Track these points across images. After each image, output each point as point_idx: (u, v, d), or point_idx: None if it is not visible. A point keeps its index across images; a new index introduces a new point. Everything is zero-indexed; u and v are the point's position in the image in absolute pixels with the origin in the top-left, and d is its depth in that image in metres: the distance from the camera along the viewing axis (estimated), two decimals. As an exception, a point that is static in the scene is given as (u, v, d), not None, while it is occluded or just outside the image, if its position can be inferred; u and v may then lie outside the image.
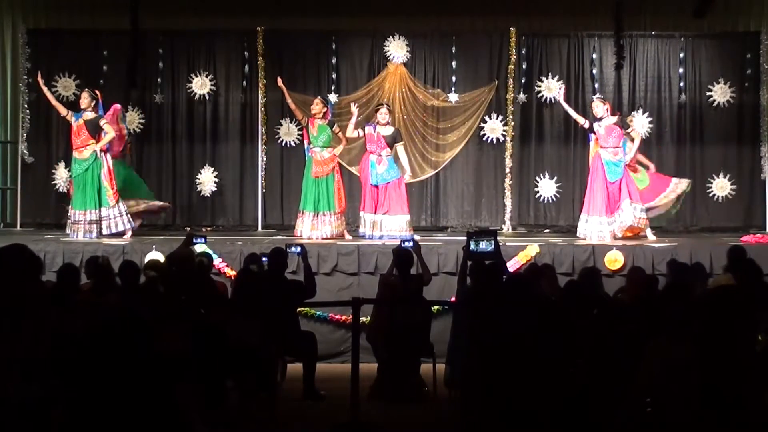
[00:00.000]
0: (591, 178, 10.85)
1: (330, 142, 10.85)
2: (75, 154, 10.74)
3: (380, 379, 7.67)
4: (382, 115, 10.87)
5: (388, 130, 10.90)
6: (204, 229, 10.96)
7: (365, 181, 10.89)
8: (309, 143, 10.93)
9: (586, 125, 11.00)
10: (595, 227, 10.62)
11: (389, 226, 10.66)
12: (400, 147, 10.96)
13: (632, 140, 11.06)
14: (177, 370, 5.61)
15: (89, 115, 10.71)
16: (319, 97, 11.14)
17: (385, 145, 10.79)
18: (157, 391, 5.45)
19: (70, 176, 11.11)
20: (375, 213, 10.73)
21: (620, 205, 10.60)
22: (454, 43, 12.70)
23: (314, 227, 10.69)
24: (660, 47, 12.76)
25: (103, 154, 10.70)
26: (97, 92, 10.98)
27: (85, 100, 10.76)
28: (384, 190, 10.75)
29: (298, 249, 8.10)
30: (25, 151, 12.53)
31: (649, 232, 10.80)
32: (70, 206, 10.85)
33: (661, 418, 4.76)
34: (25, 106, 12.56)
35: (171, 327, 5.73)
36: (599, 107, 10.84)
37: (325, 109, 10.96)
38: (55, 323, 5.54)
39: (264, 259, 7.99)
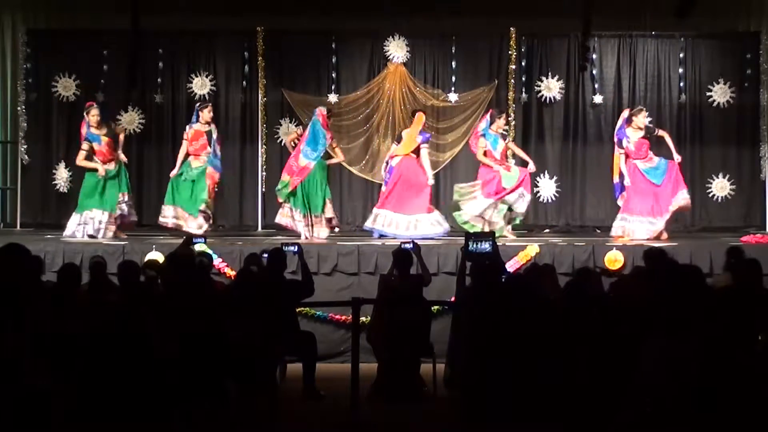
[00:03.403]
0: (632, 186, 10.83)
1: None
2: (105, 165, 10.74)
3: (380, 379, 7.66)
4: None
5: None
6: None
7: (397, 181, 10.89)
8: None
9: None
10: (640, 225, 10.73)
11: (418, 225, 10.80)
12: (424, 150, 10.95)
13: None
14: (177, 369, 5.63)
15: (103, 130, 10.78)
16: (319, 109, 10.94)
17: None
18: (153, 388, 5.47)
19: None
20: (400, 212, 10.84)
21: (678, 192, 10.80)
22: (454, 43, 12.71)
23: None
24: (660, 47, 12.77)
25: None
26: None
27: (95, 117, 10.74)
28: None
29: (295, 248, 8.14)
30: (23, 151, 12.53)
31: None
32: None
33: (661, 418, 4.76)
34: (23, 106, 12.56)
35: (170, 327, 5.74)
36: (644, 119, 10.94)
37: (329, 121, 10.90)
38: (55, 322, 5.55)
39: (265, 255, 8.03)
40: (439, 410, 7.08)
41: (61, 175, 12.41)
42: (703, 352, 4.78)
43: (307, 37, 12.80)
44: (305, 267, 8.07)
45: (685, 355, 4.74)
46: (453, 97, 12.56)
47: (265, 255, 8.03)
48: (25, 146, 12.55)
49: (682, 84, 12.68)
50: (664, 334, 4.87)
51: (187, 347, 5.67)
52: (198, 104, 11.24)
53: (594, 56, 12.59)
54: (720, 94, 12.60)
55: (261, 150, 12.63)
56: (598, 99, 12.66)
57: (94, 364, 5.47)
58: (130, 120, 12.53)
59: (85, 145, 10.72)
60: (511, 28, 12.57)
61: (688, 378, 4.71)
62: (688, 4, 10.87)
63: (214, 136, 10.94)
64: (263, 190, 12.56)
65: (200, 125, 10.87)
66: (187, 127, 11.00)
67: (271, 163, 12.62)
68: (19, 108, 12.58)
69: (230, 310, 6.38)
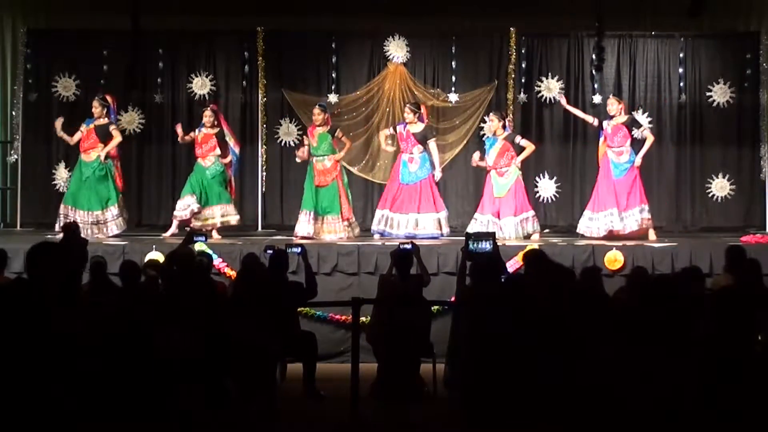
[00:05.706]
0: (600, 175, 11.04)
1: (331, 150, 10.89)
2: (82, 156, 10.93)
3: (380, 379, 7.67)
4: (407, 113, 11.03)
5: (418, 128, 11.03)
6: (204, 229, 10.94)
7: (393, 181, 11.07)
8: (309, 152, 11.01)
9: (595, 123, 11.22)
10: (603, 220, 10.84)
11: (421, 224, 10.78)
12: (432, 143, 11.07)
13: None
14: (177, 369, 5.63)
15: (100, 121, 10.90)
16: (318, 106, 11.12)
17: (416, 143, 10.93)
18: (153, 388, 5.47)
19: (71, 175, 11.20)
20: (403, 212, 10.87)
21: (629, 208, 10.77)
22: (454, 43, 12.70)
23: (322, 230, 10.73)
24: (660, 47, 12.76)
25: (110, 159, 10.89)
26: (109, 98, 11.07)
27: (96, 109, 10.90)
28: (415, 188, 10.89)
29: (299, 249, 8.13)
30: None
31: (651, 233, 10.86)
32: (62, 204, 10.92)
33: (660, 419, 4.77)
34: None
35: (171, 327, 5.74)
36: (612, 105, 11.09)
37: (326, 116, 11.01)
38: (58, 323, 5.55)
39: (270, 251, 8.03)
40: (439, 410, 7.08)
41: (61, 175, 12.40)
42: (702, 353, 4.79)
43: (307, 37, 12.80)
44: (309, 269, 8.06)
45: (663, 360, 4.76)
46: (453, 97, 12.55)
47: (270, 251, 8.04)
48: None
49: (682, 84, 12.67)
50: (643, 337, 4.91)
51: (187, 347, 5.67)
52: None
53: (594, 56, 12.56)
54: (720, 94, 12.59)
55: (261, 150, 12.62)
56: (597, 99, 12.65)
57: (94, 364, 5.47)
58: (130, 120, 12.52)
59: (82, 127, 11.03)
60: (511, 28, 12.56)
61: (671, 381, 4.73)
62: (700, 3, 10.85)
63: (227, 138, 11.08)
64: (263, 190, 12.56)
65: (206, 129, 11.05)
66: (197, 129, 11.16)
67: (272, 163, 12.63)
68: (15, 108, 12.55)
69: (231, 310, 6.39)
